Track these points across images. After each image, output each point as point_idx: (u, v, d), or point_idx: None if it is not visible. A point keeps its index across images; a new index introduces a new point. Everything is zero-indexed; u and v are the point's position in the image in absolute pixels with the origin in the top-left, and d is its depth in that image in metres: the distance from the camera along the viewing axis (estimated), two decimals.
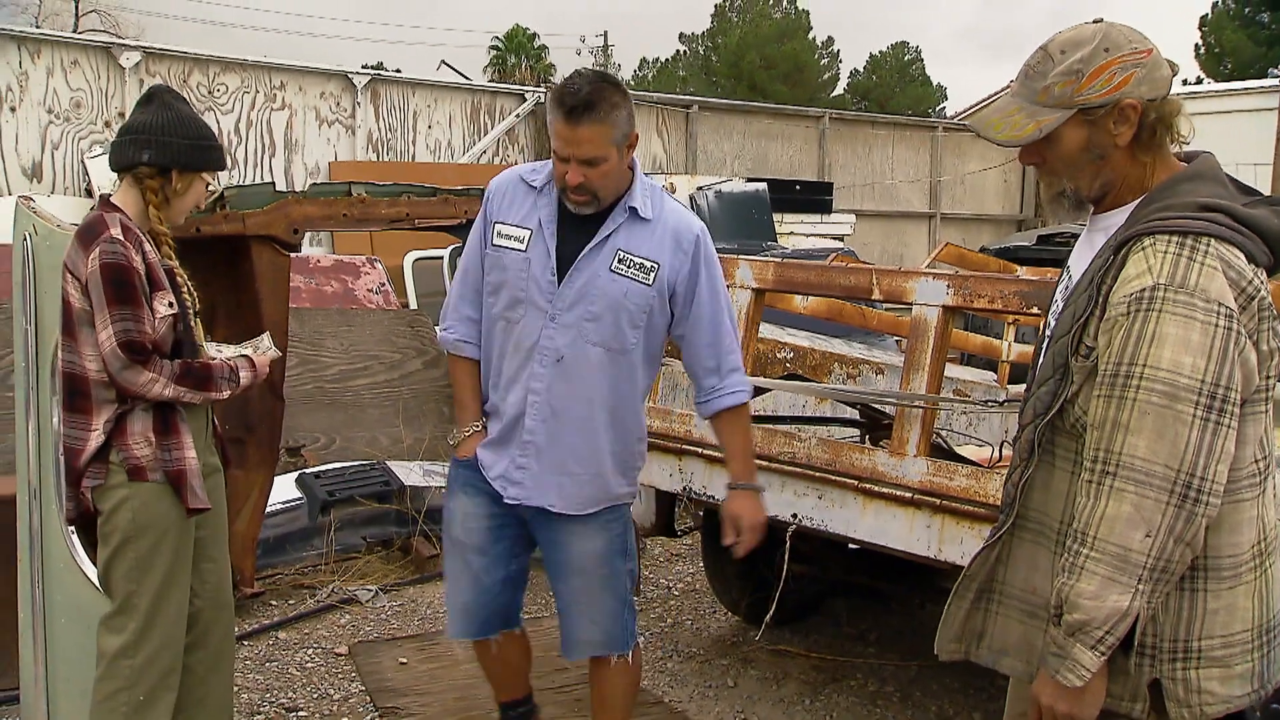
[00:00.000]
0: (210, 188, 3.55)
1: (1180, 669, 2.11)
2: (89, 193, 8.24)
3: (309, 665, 4.90)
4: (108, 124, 8.90)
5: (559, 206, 3.17)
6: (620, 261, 3.14)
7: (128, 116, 3.39)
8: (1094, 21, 2.21)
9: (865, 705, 4.63)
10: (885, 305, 5.94)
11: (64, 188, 8.26)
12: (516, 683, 3.78)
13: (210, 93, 9.46)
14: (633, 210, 3.17)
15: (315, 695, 4.63)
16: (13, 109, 8.51)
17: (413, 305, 8.71)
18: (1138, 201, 2.18)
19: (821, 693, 4.73)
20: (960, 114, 21.89)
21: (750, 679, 4.87)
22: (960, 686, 4.73)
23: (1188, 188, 2.13)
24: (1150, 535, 1.98)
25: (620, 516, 3.46)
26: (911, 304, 3.65)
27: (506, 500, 3.29)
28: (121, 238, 3.21)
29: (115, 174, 3.41)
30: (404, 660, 4.93)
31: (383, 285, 8.50)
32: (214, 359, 3.43)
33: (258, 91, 9.67)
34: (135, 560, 3.36)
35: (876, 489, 3.69)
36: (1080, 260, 2.31)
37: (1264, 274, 2.08)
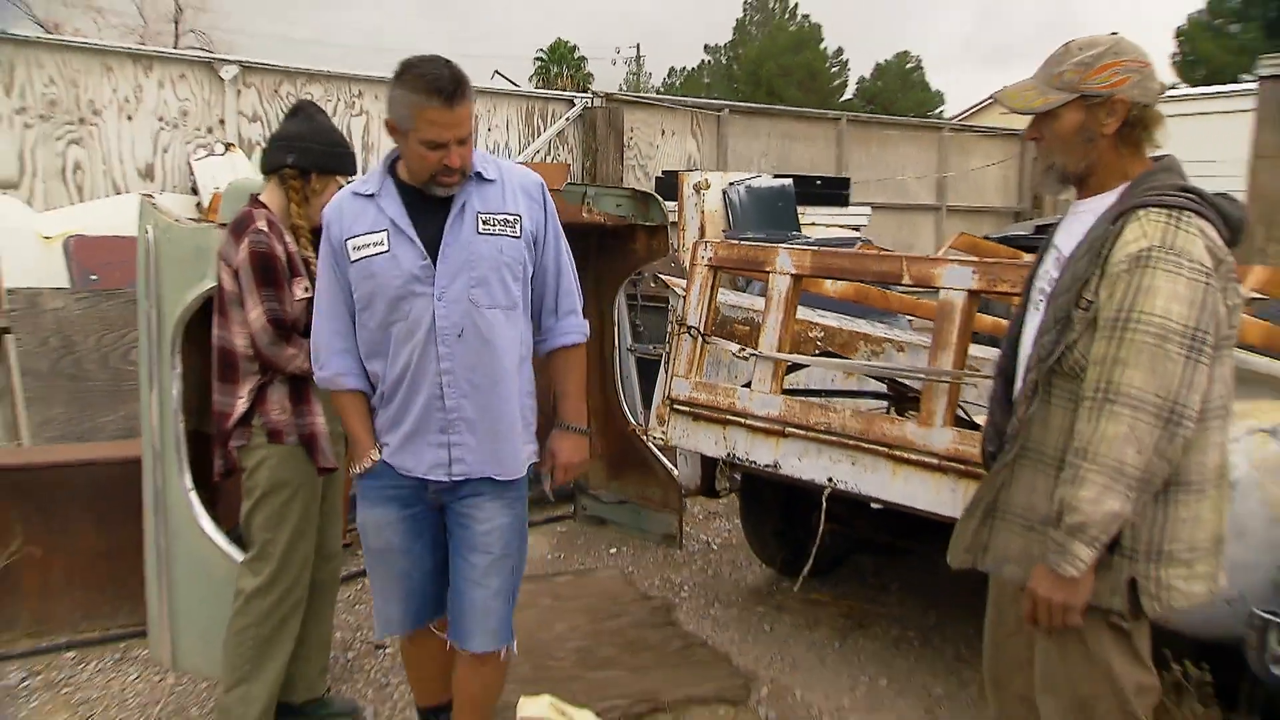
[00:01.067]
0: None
1: (1153, 568, 2.28)
2: (194, 191, 8.33)
3: None
4: (210, 130, 8.96)
5: (402, 202, 2.89)
6: (485, 222, 2.89)
7: (275, 127, 3.45)
8: (1111, 33, 2.43)
9: (889, 649, 4.59)
10: (904, 290, 5.89)
11: (172, 186, 8.29)
12: (440, 686, 3.30)
13: (294, 100, 9.46)
14: (478, 175, 2.91)
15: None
16: (129, 117, 8.58)
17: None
18: (1124, 187, 2.38)
19: (849, 637, 4.69)
20: (962, 114, 21.80)
21: (784, 625, 4.83)
22: (975, 632, 4.66)
23: (1164, 176, 2.33)
24: (1140, 452, 2.16)
25: (523, 495, 3.13)
26: (940, 288, 3.58)
27: (453, 477, 2.95)
28: (266, 230, 3.33)
29: (263, 175, 3.54)
30: None
31: None
32: (287, 351, 3.41)
33: (339, 100, 9.68)
34: (272, 512, 3.45)
35: (906, 456, 3.62)
36: (1068, 236, 2.49)
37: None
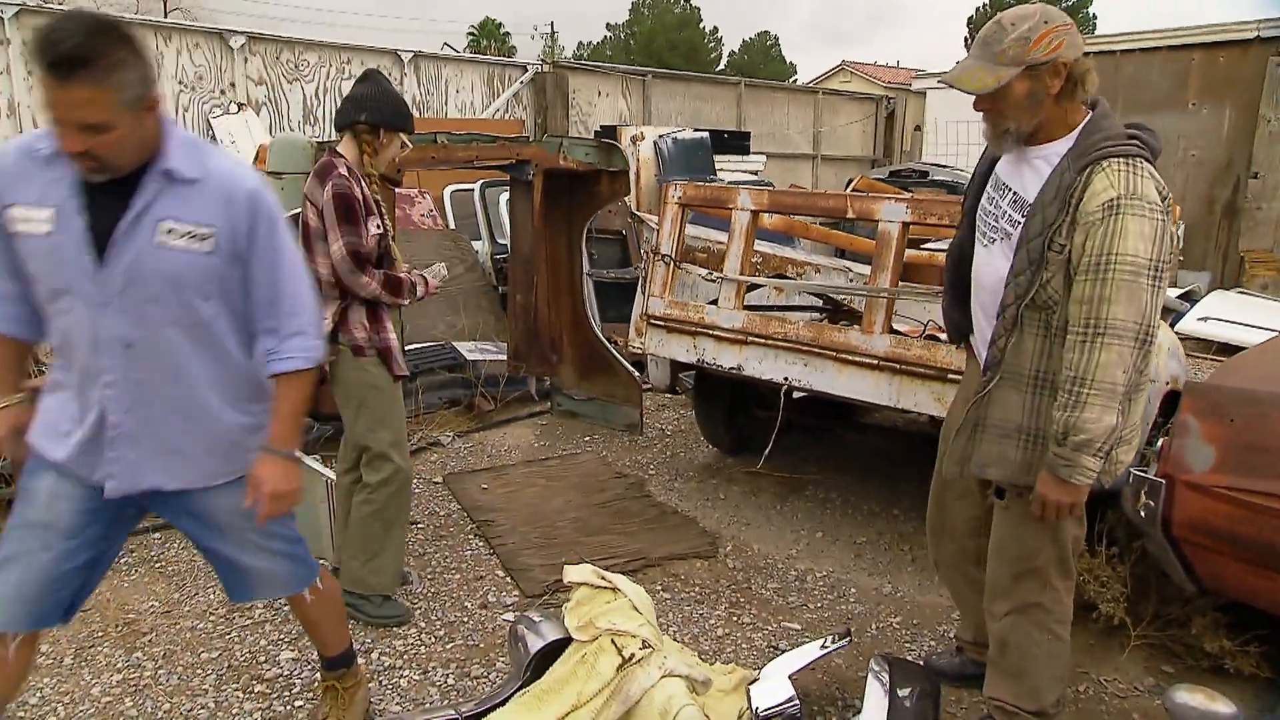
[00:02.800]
0: (405, 146, 3.43)
1: (1113, 450, 2.33)
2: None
3: (416, 491, 4.79)
4: (222, 92, 8.48)
5: (79, 178, 2.01)
6: (169, 233, 2.04)
7: (347, 90, 3.27)
8: (1033, 3, 2.31)
9: (818, 508, 4.66)
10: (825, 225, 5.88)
11: None
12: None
13: (296, 66, 8.99)
14: (169, 173, 2.04)
15: (426, 513, 4.55)
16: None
17: (451, 226, 8.43)
18: (1075, 134, 2.31)
19: (787, 501, 4.75)
20: (814, 79, 21.83)
21: (734, 493, 4.86)
22: (883, 494, 4.77)
23: (1108, 124, 2.27)
24: (1125, 371, 2.18)
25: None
26: (879, 221, 3.56)
27: (107, 496, 2.17)
28: (346, 175, 3.19)
29: (337, 130, 3.36)
30: (485, 486, 4.87)
31: (431, 211, 8.29)
32: (403, 275, 3.37)
33: (331, 65, 9.20)
34: (372, 418, 3.39)
35: (851, 358, 3.65)
36: (1022, 180, 2.39)
37: None
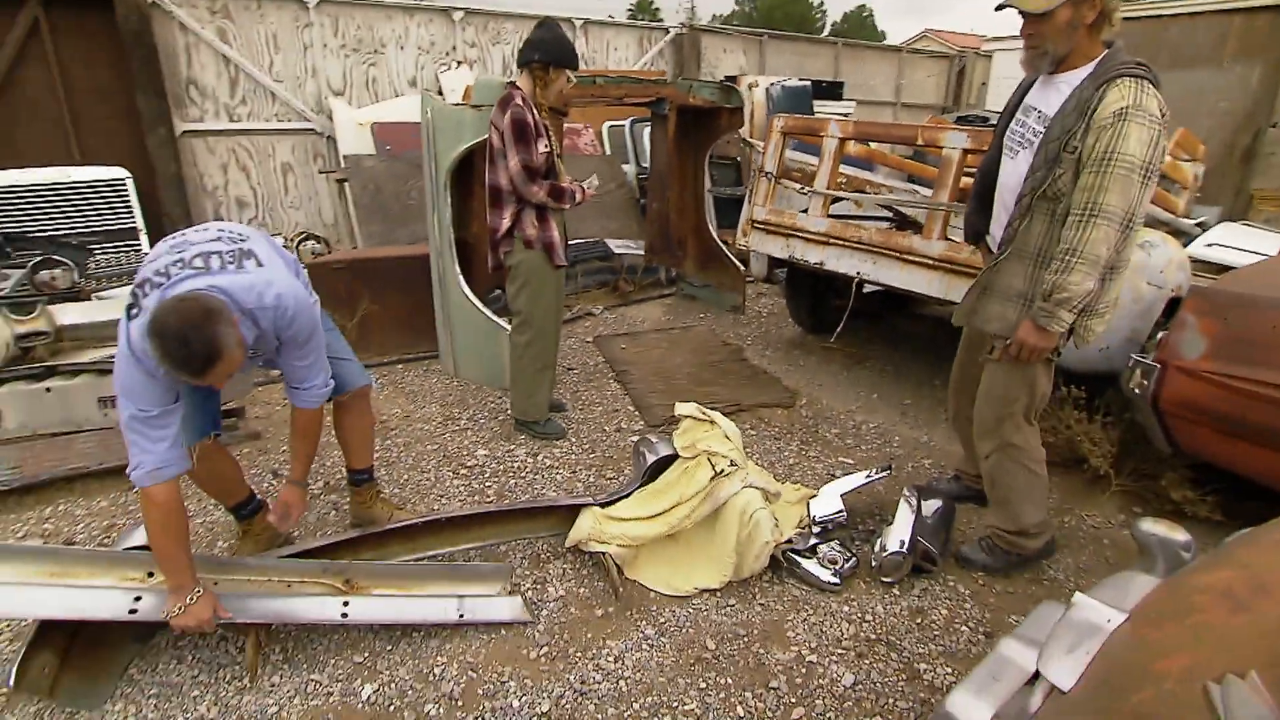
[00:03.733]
0: (570, 81, 3.20)
1: (1087, 319, 2.21)
2: (440, 93, 7.93)
3: (574, 347, 4.86)
4: (447, 53, 8.39)
5: None
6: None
7: (528, 35, 3.10)
8: None
9: (875, 376, 4.48)
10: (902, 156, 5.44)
11: (424, 91, 7.90)
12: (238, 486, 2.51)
13: (498, 33, 8.84)
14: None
15: (580, 362, 4.61)
16: (401, 47, 8.25)
17: (608, 153, 8.23)
18: (1094, 64, 2.09)
19: (851, 370, 4.58)
20: (904, 42, 20.02)
21: (812, 362, 4.71)
22: (926, 368, 4.54)
23: (1124, 55, 2.09)
24: (1109, 248, 2.06)
25: None
26: (942, 147, 3.24)
27: None
28: (521, 104, 3.05)
29: (517, 67, 3.21)
30: (623, 346, 4.88)
31: (592, 141, 8.08)
32: (565, 185, 3.23)
33: (523, 31, 8.93)
34: (531, 293, 3.32)
35: (911, 258, 3.41)
36: (1046, 100, 2.18)
37: None
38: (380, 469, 3.26)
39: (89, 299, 4.50)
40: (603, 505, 2.68)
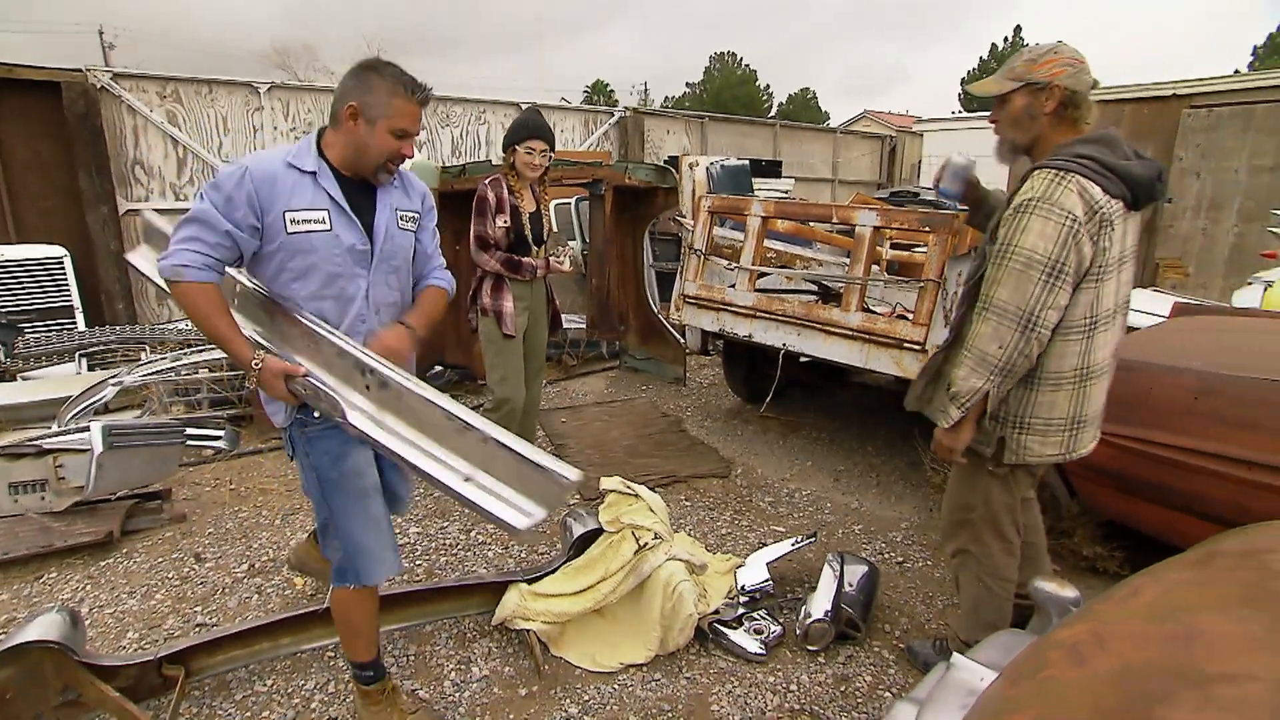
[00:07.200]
0: (531, 153, 3.38)
1: (1015, 432, 2.05)
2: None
3: None
4: None
5: (338, 183, 1.92)
6: (402, 219, 2.04)
7: (483, 132, 3.43)
8: (1058, 40, 2.00)
9: (810, 443, 4.57)
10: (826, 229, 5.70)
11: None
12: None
13: (447, 115, 9.06)
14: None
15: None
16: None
17: (554, 229, 8.41)
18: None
19: (787, 438, 4.67)
20: (843, 123, 21.13)
21: (749, 430, 4.80)
22: (860, 435, 4.66)
23: (1072, 146, 1.91)
24: (1001, 347, 1.91)
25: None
26: (855, 225, 3.43)
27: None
28: (488, 183, 3.37)
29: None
30: (564, 420, 4.91)
31: None
32: (522, 258, 3.43)
33: (471, 115, 9.21)
34: (489, 361, 3.51)
35: (832, 329, 3.54)
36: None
37: (1118, 202, 1.90)
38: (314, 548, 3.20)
39: (14, 379, 4.38)
40: (529, 581, 2.66)
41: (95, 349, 5.48)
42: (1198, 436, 2.52)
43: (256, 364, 1.87)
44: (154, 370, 4.64)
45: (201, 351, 4.99)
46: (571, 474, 1.68)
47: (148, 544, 3.29)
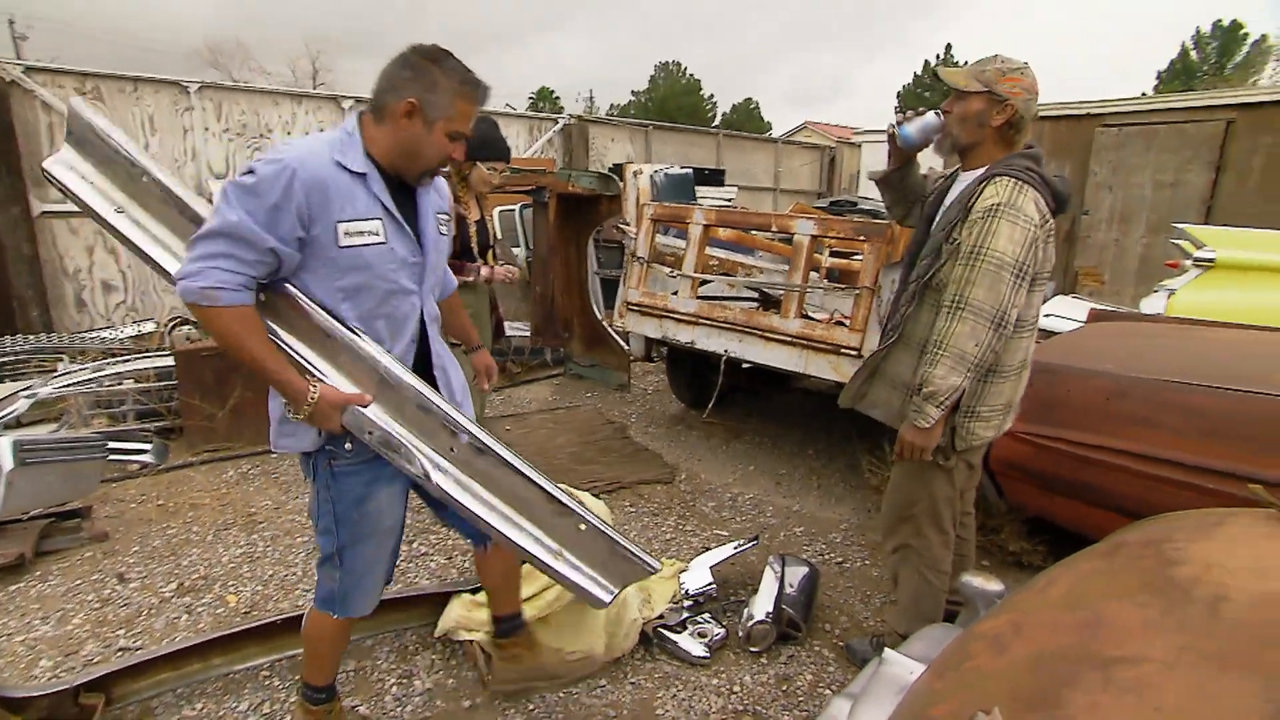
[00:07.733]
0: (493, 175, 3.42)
1: (966, 420, 2.16)
2: None
3: None
4: None
5: (384, 184, 1.69)
6: (440, 222, 1.87)
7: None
8: (1024, 61, 2.09)
9: (753, 449, 4.64)
10: (767, 236, 5.82)
11: None
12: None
13: None
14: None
15: None
16: (289, 133, 8.11)
17: (499, 237, 8.35)
18: (990, 165, 2.10)
19: (730, 443, 4.73)
20: (785, 134, 21.60)
21: (692, 437, 4.85)
22: (801, 439, 4.76)
23: (1019, 160, 2.06)
24: (978, 345, 2.00)
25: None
26: (794, 233, 3.52)
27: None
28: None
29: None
30: (508, 428, 4.88)
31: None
32: (470, 265, 3.39)
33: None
34: None
35: (772, 336, 3.62)
36: (952, 194, 2.19)
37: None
38: (244, 564, 3.10)
39: None
40: (473, 592, 2.64)
41: (6, 359, 5.20)
42: (1109, 435, 2.67)
43: (313, 396, 1.65)
44: (73, 381, 4.43)
45: (127, 361, 4.78)
46: (654, 564, 2.01)
47: (65, 565, 3.13)
